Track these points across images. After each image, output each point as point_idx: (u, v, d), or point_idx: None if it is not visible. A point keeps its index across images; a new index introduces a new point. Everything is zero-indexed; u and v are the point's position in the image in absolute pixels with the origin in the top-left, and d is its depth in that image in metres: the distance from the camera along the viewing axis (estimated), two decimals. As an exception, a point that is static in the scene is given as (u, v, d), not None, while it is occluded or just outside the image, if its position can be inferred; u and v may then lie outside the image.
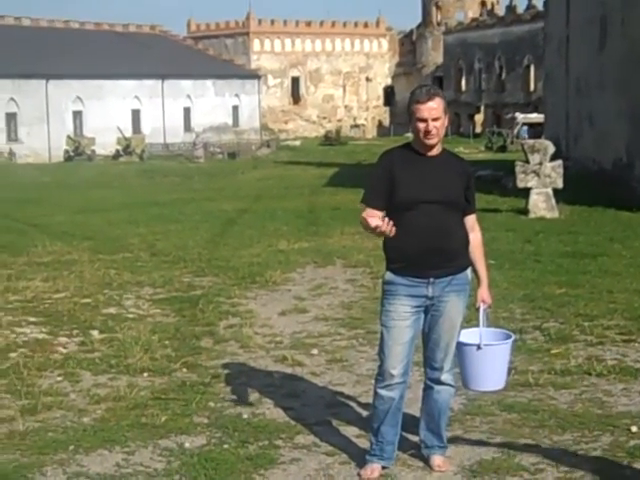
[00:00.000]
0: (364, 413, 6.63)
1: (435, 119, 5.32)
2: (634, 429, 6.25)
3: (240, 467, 5.75)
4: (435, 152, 5.45)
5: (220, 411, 6.84)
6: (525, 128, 58.96)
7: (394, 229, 5.12)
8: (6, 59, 60.01)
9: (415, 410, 6.04)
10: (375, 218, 5.13)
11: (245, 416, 6.70)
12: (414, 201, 5.21)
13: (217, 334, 9.25)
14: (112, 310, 10.53)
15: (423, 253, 5.35)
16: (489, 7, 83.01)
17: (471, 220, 5.60)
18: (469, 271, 5.57)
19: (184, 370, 7.94)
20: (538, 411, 6.69)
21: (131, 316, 10.19)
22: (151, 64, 69.49)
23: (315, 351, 8.53)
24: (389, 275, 5.50)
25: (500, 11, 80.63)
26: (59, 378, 7.78)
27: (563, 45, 30.92)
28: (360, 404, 6.92)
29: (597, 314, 9.61)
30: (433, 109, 5.32)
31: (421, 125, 5.32)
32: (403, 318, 5.44)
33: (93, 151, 58.55)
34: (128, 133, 63.63)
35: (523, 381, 7.38)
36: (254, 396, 7.17)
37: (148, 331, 9.23)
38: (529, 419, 6.54)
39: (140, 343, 8.68)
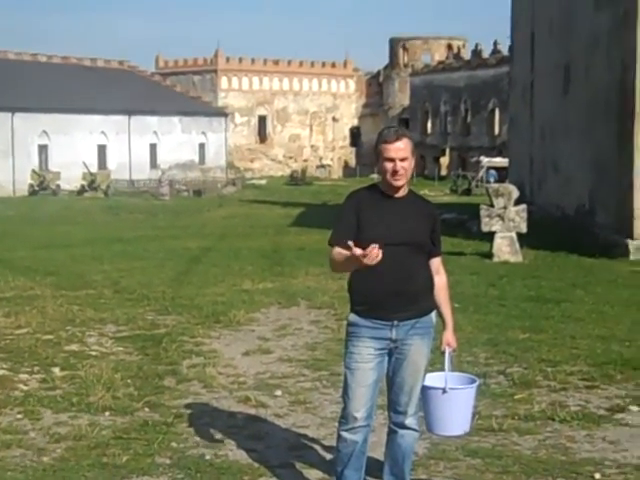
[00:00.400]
0: (328, 456, 6.60)
1: (403, 159, 5.34)
2: (597, 476, 6.27)
3: (202, 510, 5.70)
4: (402, 193, 5.46)
5: (183, 452, 6.78)
6: (493, 172, 59.36)
7: (380, 254, 5.06)
8: (-28, 91, 59.74)
9: (379, 454, 6.02)
10: (356, 248, 5.06)
11: (208, 457, 6.65)
12: (380, 242, 5.14)
13: (180, 373, 9.18)
14: (74, 347, 10.44)
15: (387, 295, 5.34)
16: (455, 50, 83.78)
17: (436, 263, 5.61)
18: (434, 314, 5.57)
19: (146, 409, 7.88)
20: (502, 457, 6.69)
21: (93, 353, 10.11)
22: (118, 99, 69.36)
23: (279, 392, 8.49)
24: (353, 317, 5.49)
25: (466, 55, 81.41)
26: (19, 416, 7.69)
27: (528, 90, 31.26)
28: (324, 447, 6.89)
29: (560, 360, 9.65)
30: (401, 149, 5.34)
31: (389, 165, 5.34)
32: (367, 360, 5.42)
33: (58, 186, 58.32)
34: (94, 168, 63.42)
35: (487, 426, 7.38)
36: (217, 437, 7.12)
37: (110, 369, 9.15)
38: (493, 465, 6.54)
39: (102, 381, 8.60)
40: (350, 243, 5.10)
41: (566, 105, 25.87)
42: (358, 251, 5.05)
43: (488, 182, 50.05)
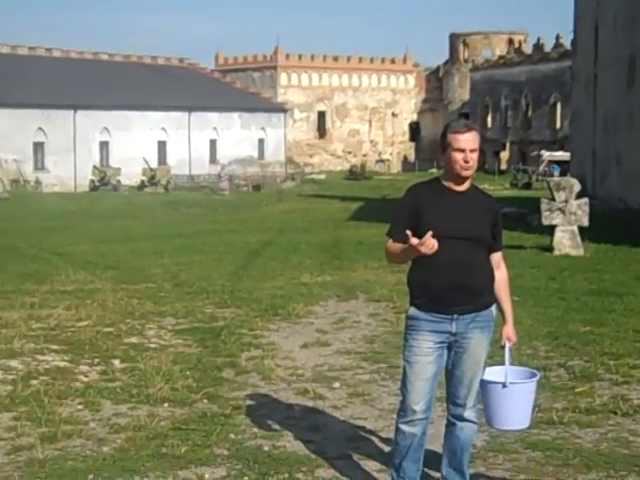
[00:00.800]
0: (385, 448, 6.57)
1: (472, 150, 5.31)
2: (660, 470, 6.16)
3: (260, 500, 5.70)
4: (464, 187, 5.42)
5: (240, 443, 6.79)
6: (556, 166, 58.83)
7: (436, 243, 5.06)
8: (36, 89, 60.61)
9: (437, 446, 5.98)
10: (413, 238, 5.07)
11: (266, 448, 6.65)
12: (440, 236, 5.12)
13: (239, 366, 9.20)
14: (134, 340, 10.52)
15: (448, 289, 5.30)
16: (516, 45, 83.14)
17: (497, 257, 5.55)
18: (494, 308, 5.51)
19: (205, 401, 7.90)
20: (562, 449, 6.60)
21: (153, 346, 10.17)
22: (178, 96, 69.89)
23: (337, 384, 8.47)
24: (413, 310, 5.45)
25: (527, 49, 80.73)
26: (79, 407, 7.75)
27: (591, 84, 30.90)
28: (381, 439, 6.86)
29: (623, 353, 9.51)
30: (470, 140, 5.32)
31: (459, 156, 5.30)
32: (426, 354, 5.39)
33: (118, 181, 58.94)
34: (154, 164, 63.99)
35: (547, 419, 7.29)
36: (275, 428, 7.12)
37: (170, 361, 9.20)
38: (553, 457, 6.46)
39: (161, 373, 8.65)
40: (408, 232, 5.08)
41: (630, 97, 25.54)
42: (415, 240, 5.03)
43: (551, 175, 49.49)
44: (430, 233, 5.05)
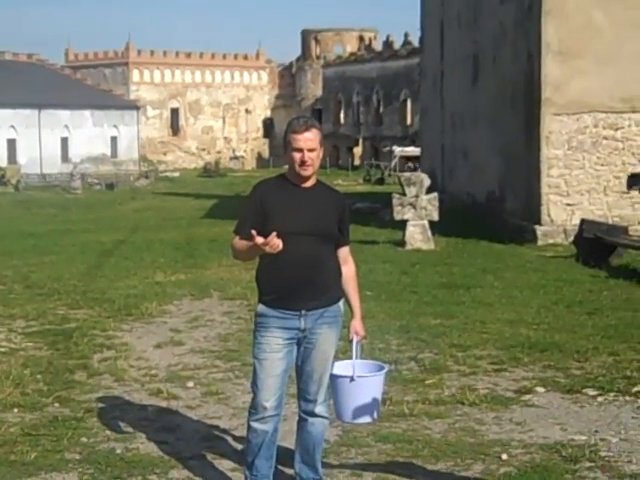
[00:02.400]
0: (240, 446, 6.59)
1: (311, 150, 5.35)
2: (504, 457, 6.38)
3: (112, 503, 5.66)
4: (309, 184, 5.47)
5: (93, 446, 6.72)
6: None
7: (280, 243, 5.11)
8: None
9: (291, 443, 6.02)
10: (259, 237, 5.10)
11: (118, 451, 6.60)
12: (286, 232, 5.16)
13: (91, 367, 9.09)
14: (-18, 344, 10.26)
15: (295, 285, 5.35)
16: (367, 42, 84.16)
17: (344, 252, 5.63)
18: (341, 303, 5.59)
19: (56, 405, 7.78)
20: (412, 441, 6.76)
21: (2, 350, 9.94)
22: (28, 93, 68.32)
23: (191, 384, 8.46)
24: (261, 307, 5.49)
25: (378, 46, 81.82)
26: None
27: (438, 80, 31.55)
28: (235, 437, 6.88)
29: (470, 344, 9.80)
30: (309, 140, 5.35)
31: (297, 155, 5.35)
32: (275, 350, 5.43)
33: (-34, 181, 57.22)
34: (3, 163, 62.34)
35: (398, 412, 7.45)
36: (128, 430, 7.07)
37: (20, 365, 9.02)
38: (403, 449, 6.61)
39: (11, 377, 8.46)
40: (253, 232, 5.12)
41: (475, 94, 26.19)
42: (259, 239, 5.08)
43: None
44: (274, 234, 5.09)
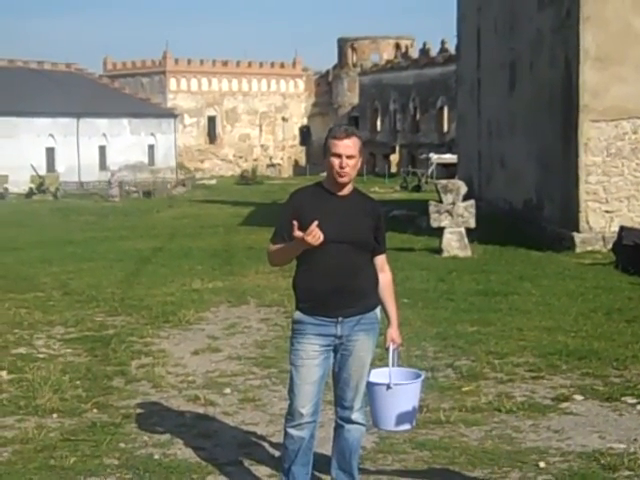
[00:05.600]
0: (276, 453, 6.61)
1: (350, 157, 5.36)
2: (542, 464, 6.35)
3: (150, 508, 5.69)
4: (346, 192, 5.48)
5: (131, 452, 6.76)
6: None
7: (321, 234, 5.12)
8: None
9: (327, 449, 6.03)
10: (298, 231, 5.12)
11: (156, 457, 6.63)
12: (323, 240, 5.20)
13: (129, 374, 9.15)
14: (22, 350, 10.37)
15: (331, 292, 5.36)
16: (403, 50, 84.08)
17: (380, 260, 5.64)
18: (378, 310, 5.59)
19: (95, 411, 7.84)
20: (449, 448, 6.75)
21: (41, 356, 10.04)
22: (66, 102, 68.82)
23: (228, 390, 8.50)
24: (298, 314, 5.51)
25: (414, 54, 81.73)
26: (-35, 420, 7.61)
27: (475, 88, 31.47)
28: (272, 444, 6.90)
29: (507, 352, 9.76)
30: (349, 147, 5.36)
31: (335, 161, 5.36)
32: (312, 357, 5.44)
33: (6, 189, 57.60)
34: (42, 171, 62.78)
35: (435, 419, 7.44)
36: (165, 436, 7.11)
37: (58, 371, 9.10)
38: (440, 456, 6.60)
39: (50, 383, 8.54)
40: (294, 223, 5.14)
41: (512, 101, 26.10)
42: (300, 233, 5.11)
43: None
44: (316, 223, 5.11)
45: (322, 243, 5.17)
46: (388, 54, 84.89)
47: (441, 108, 75.01)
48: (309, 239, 5.11)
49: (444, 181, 21.08)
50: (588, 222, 19.61)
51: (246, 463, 6.52)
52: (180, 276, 16.47)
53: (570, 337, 10.45)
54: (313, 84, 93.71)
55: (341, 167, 5.35)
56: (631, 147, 19.65)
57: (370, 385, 5.55)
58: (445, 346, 10.17)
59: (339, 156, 5.35)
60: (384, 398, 5.51)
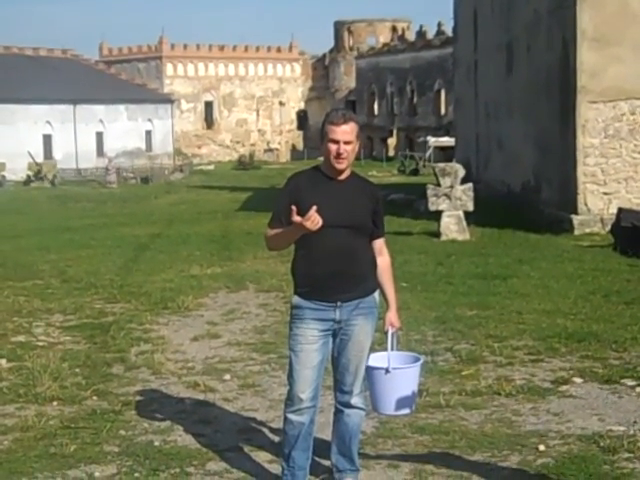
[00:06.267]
0: (276, 439, 6.61)
1: (347, 142, 5.33)
2: (542, 448, 6.36)
3: (151, 495, 5.69)
4: (344, 176, 5.46)
5: (131, 439, 6.76)
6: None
7: (320, 219, 5.10)
8: None
9: (327, 434, 6.03)
10: (297, 216, 5.10)
11: (156, 443, 6.63)
12: (321, 225, 5.17)
13: (128, 361, 9.15)
14: (21, 338, 10.37)
15: (330, 277, 5.35)
16: (400, 33, 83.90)
17: (379, 244, 5.62)
18: (377, 294, 5.58)
19: (94, 398, 7.84)
20: (449, 432, 6.75)
21: (41, 344, 10.04)
22: (63, 89, 68.70)
23: (227, 376, 8.49)
24: (296, 299, 5.50)
25: (411, 37, 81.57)
26: (-35, 409, 7.61)
27: (472, 70, 31.41)
28: (272, 429, 6.91)
29: (507, 335, 9.77)
30: (347, 132, 5.34)
31: (333, 147, 5.33)
32: (311, 342, 5.43)
33: (3, 176, 57.57)
34: (39, 158, 62.76)
35: (434, 403, 7.44)
36: (165, 423, 7.11)
37: (58, 359, 9.10)
38: (440, 441, 6.60)
39: (49, 371, 8.54)
40: (293, 207, 5.12)
41: (509, 84, 26.05)
42: (298, 218, 5.09)
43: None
44: (315, 208, 5.09)
45: (320, 227, 5.15)
46: (385, 37, 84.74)
47: (438, 91, 74.93)
48: (308, 224, 5.09)
49: (442, 164, 21.06)
50: (586, 204, 19.60)
51: (246, 449, 6.52)
52: (178, 262, 16.46)
53: (569, 320, 10.45)
54: (310, 68, 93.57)
55: (339, 153, 5.33)
56: (629, 128, 19.63)
57: (369, 369, 5.55)
58: (444, 330, 10.17)
59: (337, 142, 5.33)
60: (383, 382, 5.51)
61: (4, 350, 9.66)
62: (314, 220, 5.09)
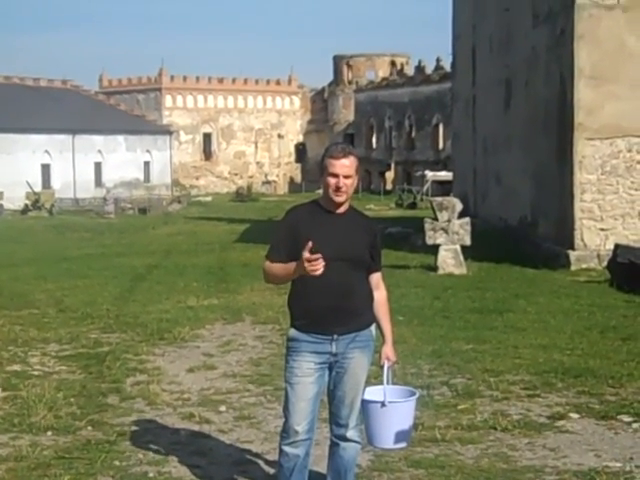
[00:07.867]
0: (271, 471, 6.59)
1: (346, 176, 5.37)
2: (538, 483, 6.33)
3: (144, 527, 5.66)
4: (342, 209, 5.49)
5: (125, 470, 6.74)
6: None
7: (322, 268, 5.10)
8: None
9: (323, 467, 6.01)
10: (306, 253, 5.09)
11: (151, 474, 6.61)
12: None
13: (124, 391, 9.13)
14: (16, 367, 10.34)
15: (327, 310, 5.36)
16: (399, 67, 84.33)
17: (376, 278, 5.64)
18: (373, 328, 5.60)
19: (89, 428, 7.81)
20: (445, 466, 6.73)
21: (36, 373, 10.01)
22: (62, 119, 68.95)
23: (223, 408, 8.47)
24: (293, 332, 5.51)
25: (409, 71, 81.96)
26: (-41, 438, 7.58)
27: (470, 105, 31.56)
28: (267, 462, 6.88)
29: (503, 369, 9.75)
30: (346, 166, 5.37)
31: (332, 180, 5.37)
32: (307, 375, 5.44)
33: (1, 205, 57.61)
34: (38, 188, 62.80)
35: (430, 437, 7.42)
36: (161, 454, 7.09)
37: (53, 388, 9.07)
38: (435, 475, 6.58)
39: (44, 401, 8.51)
40: (310, 244, 5.12)
41: (507, 119, 26.17)
42: (307, 254, 5.09)
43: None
44: (319, 255, 5.10)
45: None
46: (384, 71, 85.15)
47: (436, 125, 75.16)
48: (308, 266, 5.10)
49: (439, 198, 21.07)
50: (583, 240, 19.62)
51: (241, 481, 6.50)
52: (175, 293, 16.45)
53: (565, 355, 10.44)
54: (309, 101, 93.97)
55: (338, 186, 5.37)
56: (626, 165, 19.68)
57: (365, 403, 5.55)
58: (440, 364, 10.16)
59: (336, 176, 5.37)
60: (379, 416, 5.50)
61: (-1, 379, 9.63)
62: (318, 265, 5.10)
